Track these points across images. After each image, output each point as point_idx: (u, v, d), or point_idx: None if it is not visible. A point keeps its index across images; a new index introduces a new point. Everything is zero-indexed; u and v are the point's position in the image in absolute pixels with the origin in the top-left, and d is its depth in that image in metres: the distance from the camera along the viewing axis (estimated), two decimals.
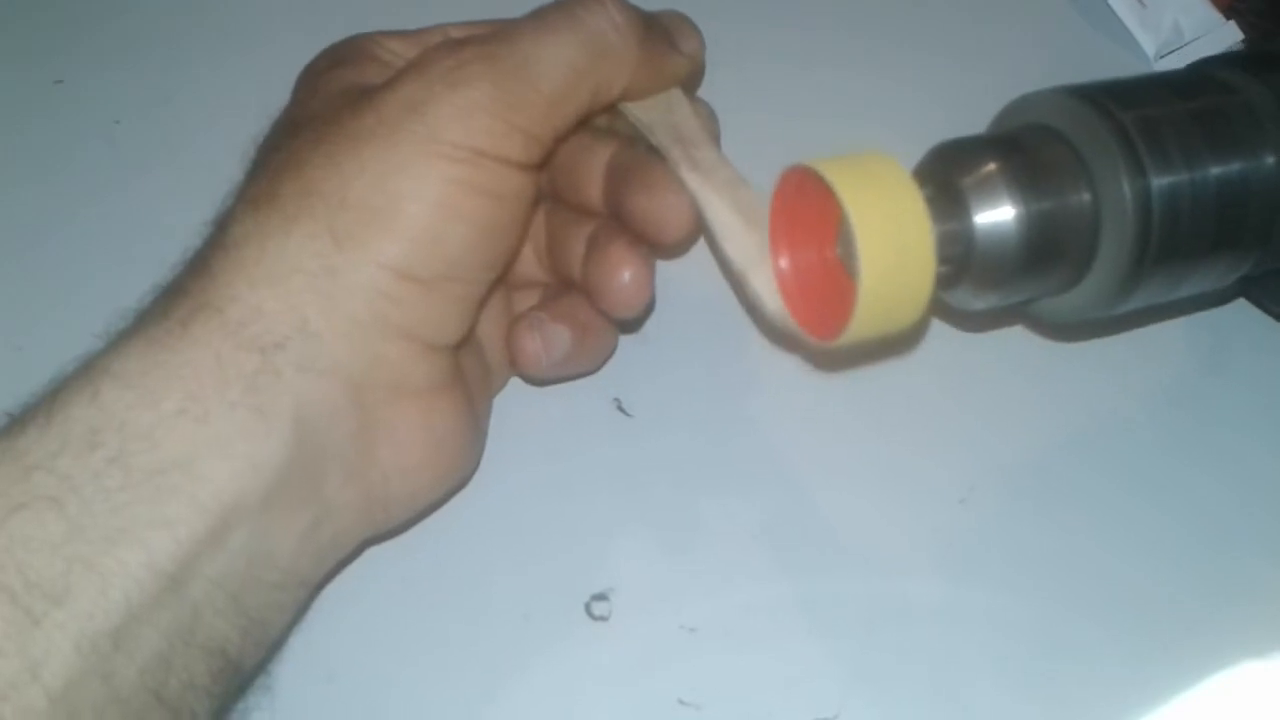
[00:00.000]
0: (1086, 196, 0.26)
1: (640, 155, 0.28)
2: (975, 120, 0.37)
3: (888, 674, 0.27)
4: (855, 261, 0.23)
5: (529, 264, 0.31)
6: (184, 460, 0.22)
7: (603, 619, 0.28)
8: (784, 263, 0.26)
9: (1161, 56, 0.39)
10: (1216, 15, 0.40)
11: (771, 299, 0.26)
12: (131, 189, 0.36)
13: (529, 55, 0.25)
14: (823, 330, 0.25)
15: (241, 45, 0.40)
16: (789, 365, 0.32)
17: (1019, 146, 0.27)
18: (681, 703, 0.27)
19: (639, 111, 0.29)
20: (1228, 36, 0.40)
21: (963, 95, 0.38)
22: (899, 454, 0.31)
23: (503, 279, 0.29)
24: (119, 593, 0.21)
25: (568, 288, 0.30)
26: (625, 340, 0.32)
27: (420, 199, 0.24)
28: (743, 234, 0.26)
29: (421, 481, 0.27)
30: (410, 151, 0.24)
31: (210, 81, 0.39)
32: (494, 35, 0.26)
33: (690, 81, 0.30)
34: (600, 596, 0.28)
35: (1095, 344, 0.33)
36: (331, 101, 0.26)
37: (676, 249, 0.33)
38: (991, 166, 0.26)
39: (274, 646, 0.25)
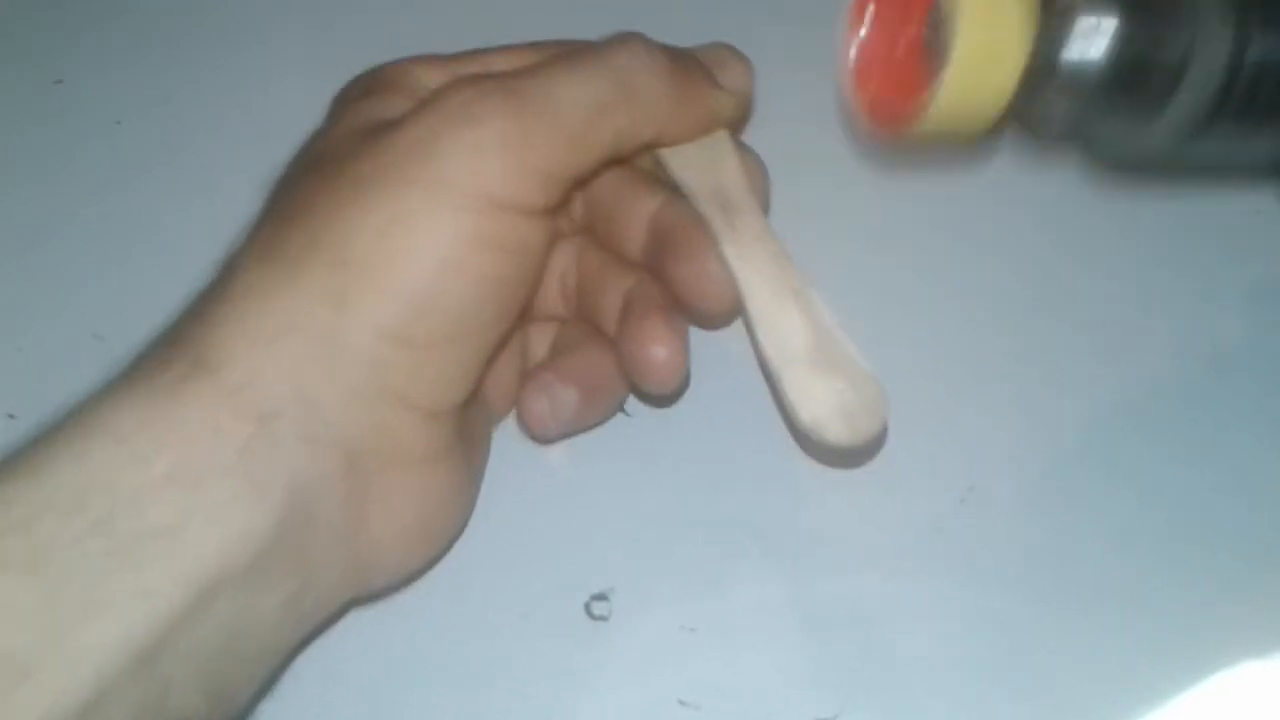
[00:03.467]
0: (1186, 31, 0.26)
1: (685, 217, 0.27)
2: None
3: (888, 674, 0.27)
4: (950, 33, 0.22)
5: (551, 299, 0.30)
6: (171, 528, 0.21)
7: (603, 619, 0.28)
8: (863, 33, 0.25)
9: None
10: None
11: (806, 408, 0.25)
12: (131, 189, 0.36)
13: (550, 90, 0.24)
14: (888, 117, 0.24)
15: (242, 45, 0.40)
16: None
17: None
18: (681, 703, 0.27)
19: (679, 166, 0.27)
20: None
21: None
22: (899, 453, 0.31)
23: (515, 331, 0.28)
24: (90, 668, 0.20)
25: (588, 336, 0.29)
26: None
27: (422, 256, 0.23)
28: (778, 324, 0.26)
29: (413, 548, 0.26)
30: (417, 200, 0.23)
31: (210, 81, 0.39)
32: (518, 70, 0.25)
33: (738, 121, 0.29)
34: (600, 596, 0.28)
35: (1096, 344, 0.33)
36: (351, 137, 0.25)
37: (717, 323, 0.32)
38: None
39: (244, 712, 0.25)
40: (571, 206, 0.29)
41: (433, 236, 0.23)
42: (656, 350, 0.26)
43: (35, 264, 0.34)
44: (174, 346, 0.23)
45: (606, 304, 0.29)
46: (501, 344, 0.26)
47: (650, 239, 0.28)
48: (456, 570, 0.29)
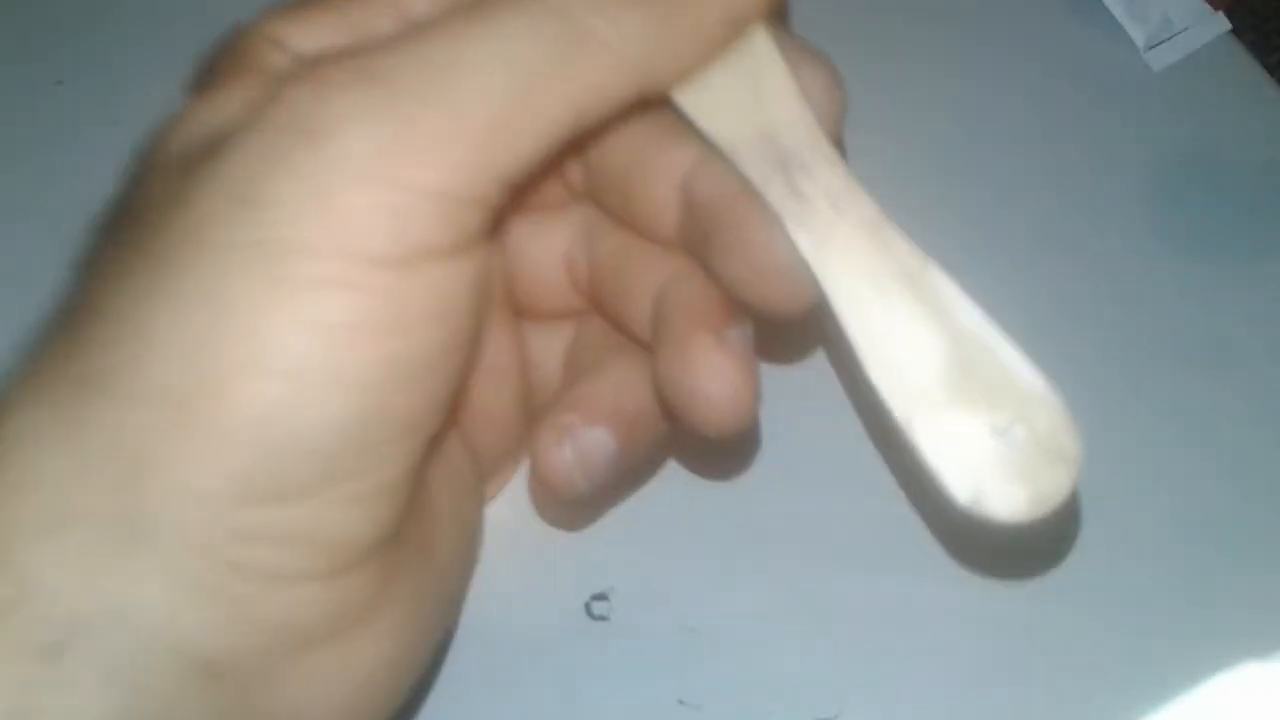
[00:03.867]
0: None
1: (728, 182, 0.19)
2: (958, 110, 0.37)
3: (888, 674, 0.27)
4: None
5: (556, 290, 0.23)
6: None
7: (603, 619, 0.28)
8: None
9: (1151, 47, 0.39)
10: (1204, 6, 0.40)
11: (956, 470, 0.17)
12: None
13: (449, 61, 0.16)
14: None
15: None
16: (789, 365, 0.32)
17: None
18: (681, 703, 0.27)
19: (703, 111, 0.18)
20: (1216, 27, 0.40)
21: (947, 85, 0.38)
22: (899, 453, 0.31)
23: (453, 423, 0.20)
24: None
25: (616, 345, 0.22)
26: None
27: (265, 370, 0.15)
28: (890, 339, 0.18)
29: None
30: (244, 280, 0.15)
31: None
32: (404, 34, 0.16)
33: (774, 5, 0.19)
34: (600, 596, 0.28)
35: (1094, 346, 0.33)
36: (165, 176, 0.17)
37: (792, 321, 0.21)
38: None
39: None
40: (562, 169, 0.21)
41: (281, 335, 0.15)
42: (709, 384, 0.19)
43: (35, 264, 0.34)
44: None
45: (635, 301, 0.21)
46: (433, 446, 0.18)
47: (685, 216, 0.20)
48: None
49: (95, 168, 0.37)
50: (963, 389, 0.18)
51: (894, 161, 0.36)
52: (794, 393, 0.32)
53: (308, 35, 0.18)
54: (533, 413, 0.23)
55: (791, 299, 0.19)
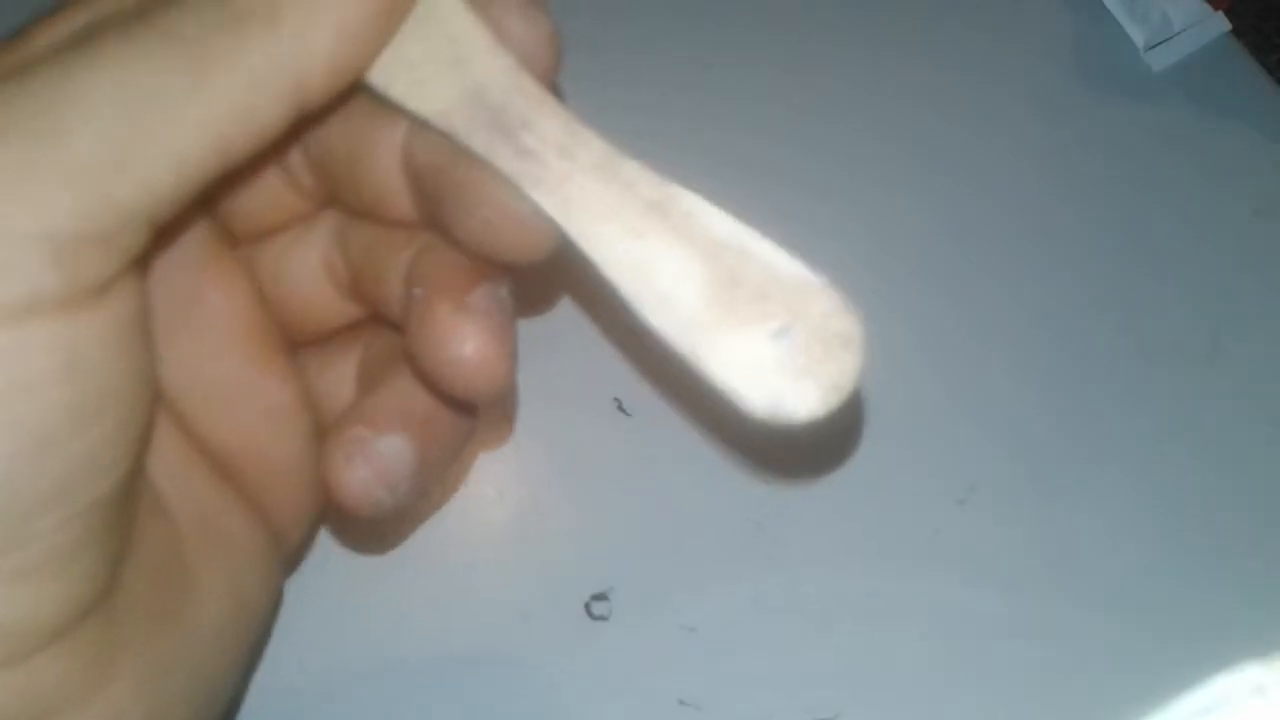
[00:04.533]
0: None
1: (443, 147, 0.18)
2: (956, 110, 0.38)
3: (888, 674, 0.27)
4: None
5: (329, 305, 0.21)
6: None
7: (603, 619, 0.28)
8: None
9: (1150, 47, 0.39)
10: (1204, 6, 0.40)
11: (745, 384, 0.17)
12: None
13: (52, 97, 0.14)
14: None
15: None
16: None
17: None
18: (681, 703, 0.27)
19: (399, 89, 0.17)
20: (1216, 27, 0.40)
21: (948, 85, 0.38)
22: (899, 453, 0.31)
23: (134, 492, 0.17)
24: None
25: (398, 349, 0.21)
26: (625, 340, 0.32)
27: None
28: (648, 275, 0.17)
29: None
30: None
31: None
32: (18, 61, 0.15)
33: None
34: (600, 596, 0.28)
35: (1096, 345, 0.33)
36: None
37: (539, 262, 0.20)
38: None
39: None
40: (293, 172, 0.20)
41: None
42: (455, 349, 0.18)
43: None
44: None
45: (392, 289, 0.20)
46: (118, 509, 0.16)
47: (414, 192, 0.19)
48: (456, 570, 0.29)
49: None
50: (734, 302, 0.17)
51: (892, 162, 0.36)
52: None
53: None
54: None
55: (533, 247, 0.18)
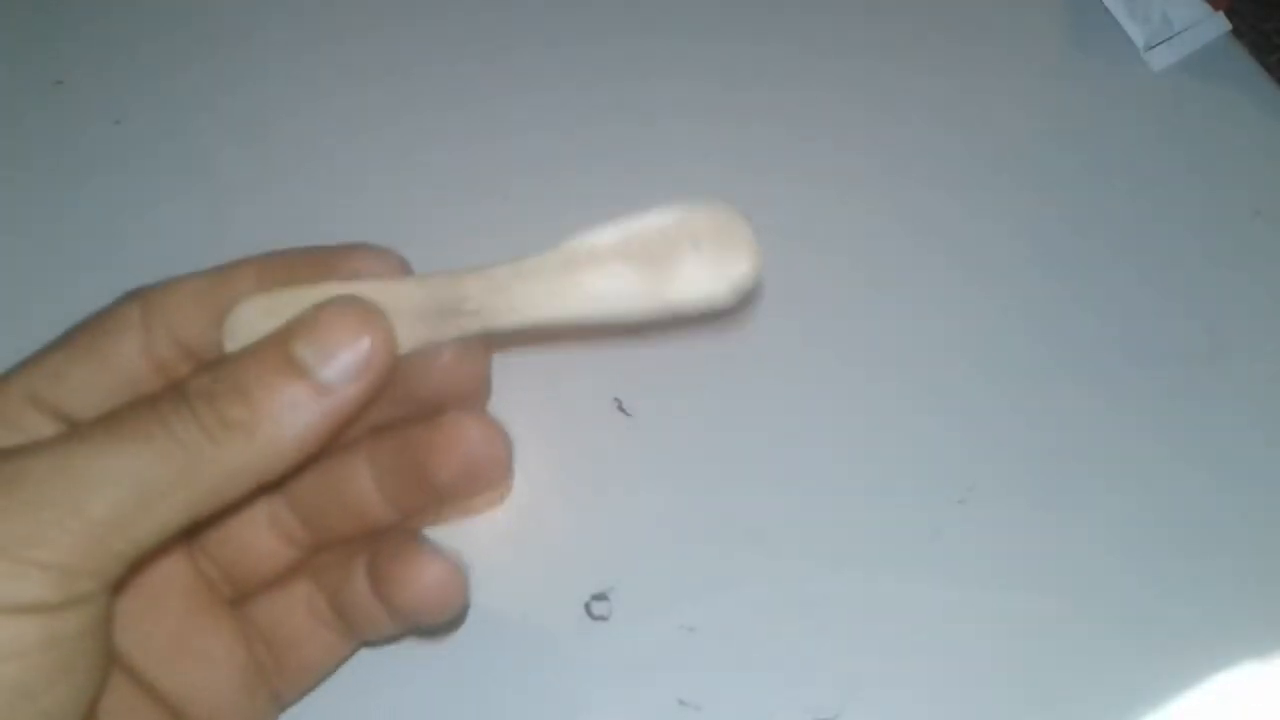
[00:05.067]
0: None
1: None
2: (957, 111, 0.37)
3: (888, 674, 0.27)
4: None
5: (279, 554, 0.26)
6: None
7: (603, 619, 0.28)
8: None
9: (1150, 47, 0.40)
10: (1204, 6, 0.40)
11: (704, 291, 0.22)
12: (131, 189, 0.36)
13: (79, 472, 0.20)
14: None
15: (242, 46, 0.40)
16: (789, 365, 0.32)
17: None
18: (681, 703, 0.27)
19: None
20: (1216, 27, 0.40)
21: (950, 88, 0.38)
22: (899, 454, 0.31)
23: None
24: None
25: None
26: (625, 340, 0.32)
27: None
28: (608, 294, 0.22)
29: None
30: None
31: (210, 82, 0.39)
32: (44, 442, 0.20)
33: (348, 414, 0.22)
34: (600, 596, 0.28)
35: (1095, 346, 0.33)
36: None
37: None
38: None
39: None
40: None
41: None
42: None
43: (34, 263, 0.34)
44: None
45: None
46: None
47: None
48: None
49: (95, 168, 0.37)
50: (657, 264, 0.22)
51: (895, 161, 0.36)
52: (794, 395, 0.32)
53: None
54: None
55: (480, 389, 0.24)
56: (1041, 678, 0.28)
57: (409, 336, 0.22)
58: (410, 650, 0.28)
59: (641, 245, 0.22)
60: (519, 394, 0.32)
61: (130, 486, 0.20)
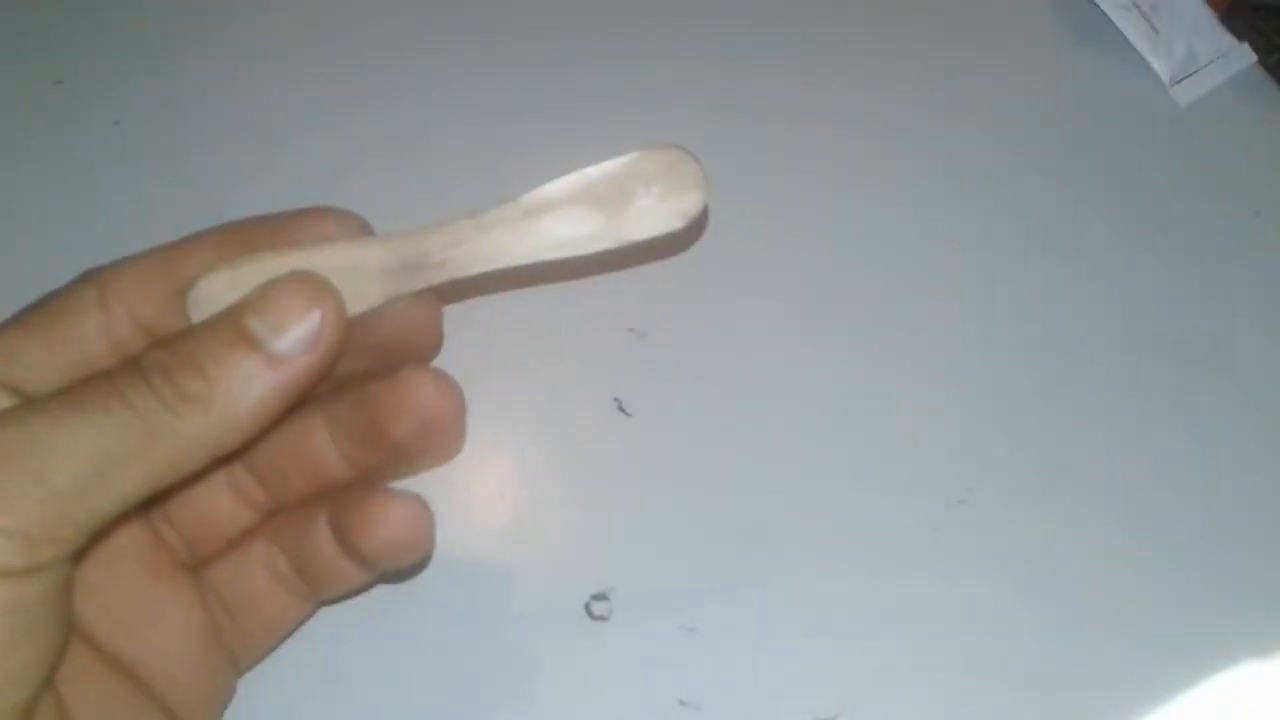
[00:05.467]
0: None
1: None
2: (982, 149, 0.37)
3: (888, 674, 0.27)
4: None
5: (236, 516, 0.26)
6: None
7: (603, 619, 0.28)
8: None
9: (1176, 82, 0.39)
10: (1229, 38, 0.40)
11: (660, 224, 0.24)
12: (131, 189, 0.36)
13: (39, 444, 0.20)
14: None
15: (242, 46, 0.40)
16: (789, 365, 0.32)
17: None
18: (681, 703, 0.27)
19: (353, 310, 0.23)
20: (1242, 59, 0.40)
21: (971, 124, 0.38)
22: (899, 454, 0.31)
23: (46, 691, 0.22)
24: None
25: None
26: (625, 340, 0.32)
27: None
28: (570, 236, 0.24)
29: None
30: None
31: (210, 82, 0.39)
32: (5, 414, 0.20)
33: (303, 386, 0.22)
34: (600, 596, 0.28)
35: (1094, 345, 0.33)
36: None
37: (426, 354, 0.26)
38: None
39: None
40: None
41: None
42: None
43: (35, 263, 0.34)
44: None
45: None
46: (34, 699, 0.21)
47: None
48: (457, 570, 0.29)
49: (95, 168, 0.37)
50: (615, 205, 0.24)
51: (926, 196, 0.37)
52: (794, 395, 0.32)
53: None
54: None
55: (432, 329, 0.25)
56: (1041, 677, 0.28)
57: (375, 293, 0.23)
58: (410, 650, 0.28)
59: (596, 189, 0.24)
60: (519, 394, 0.32)
61: (90, 458, 0.20)
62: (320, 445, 0.25)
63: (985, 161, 0.37)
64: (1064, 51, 0.40)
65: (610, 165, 0.24)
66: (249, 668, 0.26)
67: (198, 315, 0.22)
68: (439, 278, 0.24)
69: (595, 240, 0.24)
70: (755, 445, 0.31)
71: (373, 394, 0.24)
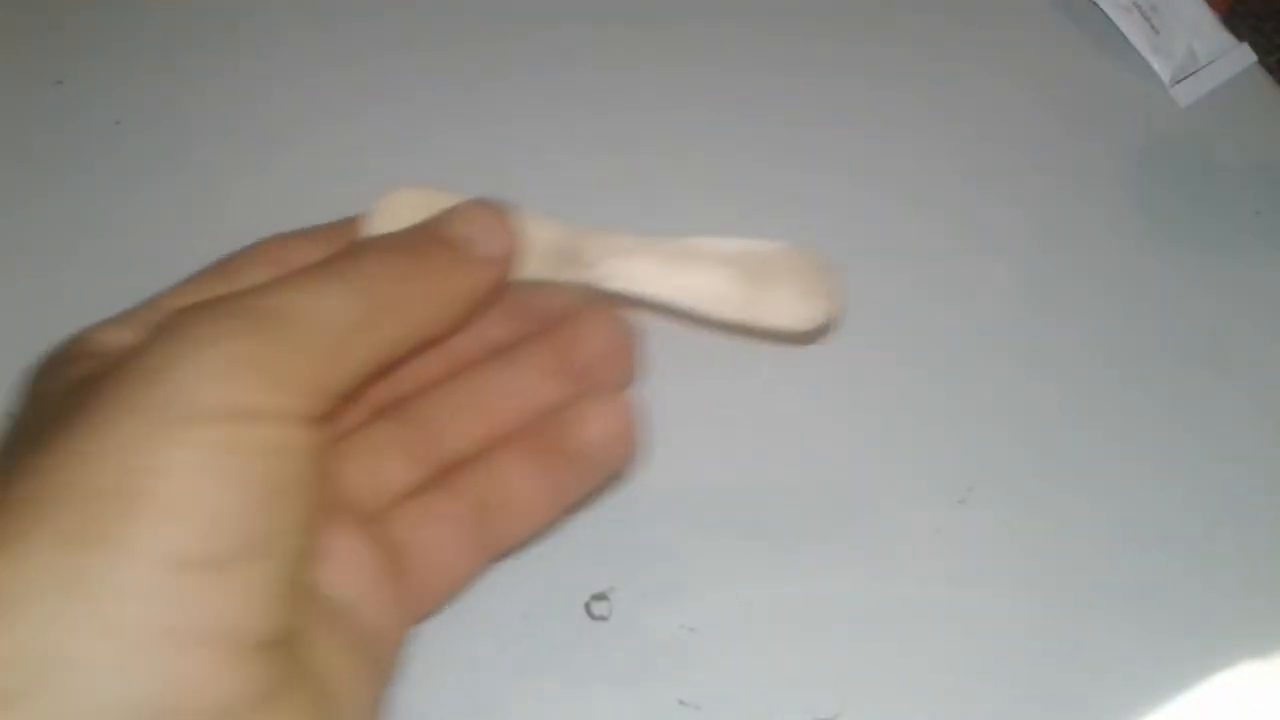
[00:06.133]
0: None
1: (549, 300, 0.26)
2: (982, 151, 0.37)
3: (888, 674, 0.27)
4: None
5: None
6: None
7: (603, 619, 0.28)
8: None
9: (1177, 81, 0.39)
10: (1229, 38, 0.40)
11: (792, 315, 0.26)
12: (131, 189, 0.36)
13: (295, 308, 0.22)
14: None
15: (242, 46, 0.40)
16: (790, 365, 0.32)
17: None
18: (681, 703, 0.27)
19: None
20: (1242, 59, 0.40)
21: (971, 125, 0.38)
22: (899, 454, 0.31)
23: (311, 555, 0.23)
24: None
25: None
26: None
27: (173, 470, 0.19)
28: (711, 292, 0.26)
29: None
30: (157, 420, 0.20)
31: (210, 82, 0.39)
32: (249, 291, 0.22)
33: (493, 292, 0.25)
34: (600, 596, 0.28)
35: (1095, 346, 0.33)
36: (61, 402, 0.22)
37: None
38: None
39: None
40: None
41: (183, 448, 0.20)
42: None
43: (35, 263, 0.34)
44: None
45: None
46: (300, 561, 0.22)
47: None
48: None
49: (95, 168, 0.37)
50: (755, 282, 0.26)
51: (926, 195, 0.37)
52: (793, 395, 0.32)
53: (114, 333, 0.24)
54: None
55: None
56: (1041, 677, 0.28)
57: (533, 266, 0.25)
58: (410, 650, 0.28)
59: (749, 262, 0.26)
60: None
61: (338, 324, 0.22)
62: (498, 392, 0.27)
63: (985, 161, 0.37)
64: (1064, 51, 0.40)
65: (766, 246, 0.26)
66: (425, 618, 0.26)
67: (379, 226, 0.25)
68: (584, 278, 0.25)
69: (733, 308, 0.26)
70: (756, 445, 0.31)
71: (561, 327, 0.26)
